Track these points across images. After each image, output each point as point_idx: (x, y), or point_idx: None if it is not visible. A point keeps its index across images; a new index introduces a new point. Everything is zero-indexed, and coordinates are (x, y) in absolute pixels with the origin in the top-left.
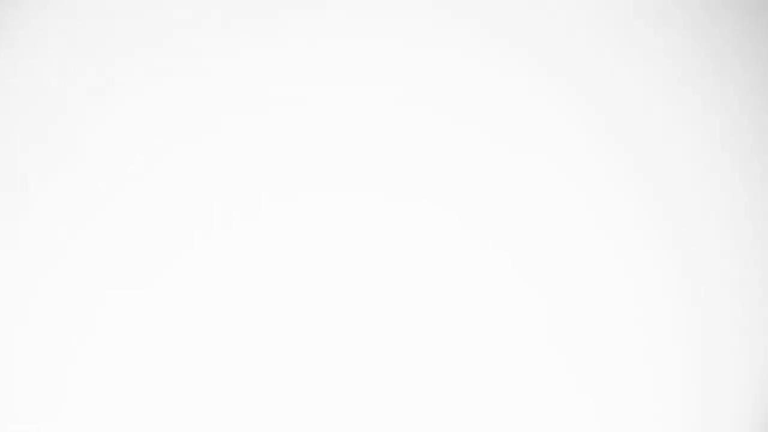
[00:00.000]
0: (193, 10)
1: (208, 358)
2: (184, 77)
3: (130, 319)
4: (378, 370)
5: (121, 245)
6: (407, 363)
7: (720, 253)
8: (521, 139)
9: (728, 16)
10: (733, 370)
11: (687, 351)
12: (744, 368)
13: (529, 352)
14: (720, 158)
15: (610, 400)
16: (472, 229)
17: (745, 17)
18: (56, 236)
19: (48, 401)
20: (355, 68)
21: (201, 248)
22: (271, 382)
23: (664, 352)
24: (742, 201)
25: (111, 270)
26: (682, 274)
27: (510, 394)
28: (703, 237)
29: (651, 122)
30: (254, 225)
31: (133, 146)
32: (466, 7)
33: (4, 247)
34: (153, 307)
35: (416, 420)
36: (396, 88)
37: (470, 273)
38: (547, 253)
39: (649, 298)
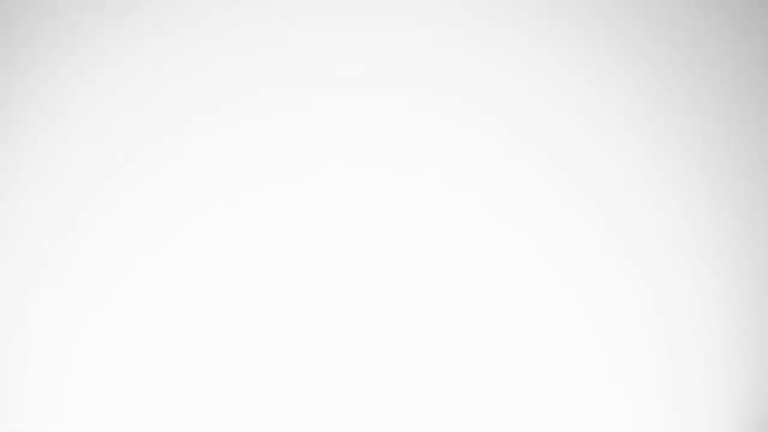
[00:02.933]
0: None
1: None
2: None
3: (147, 382)
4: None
5: (130, 307)
6: (402, 421)
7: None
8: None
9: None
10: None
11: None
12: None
13: (517, 412)
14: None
15: None
16: (461, 291)
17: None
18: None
19: None
20: (356, 138)
21: (202, 317)
22: None
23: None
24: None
25: (121, 331)
26: (663, 341)
27: None
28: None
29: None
30: (253, 290)
31: (145, 217)
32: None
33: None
34: (166, 366)
35: None
36: (396, 161)
37: (460, 335)
38: (534, 315)
39: (630, 363)
